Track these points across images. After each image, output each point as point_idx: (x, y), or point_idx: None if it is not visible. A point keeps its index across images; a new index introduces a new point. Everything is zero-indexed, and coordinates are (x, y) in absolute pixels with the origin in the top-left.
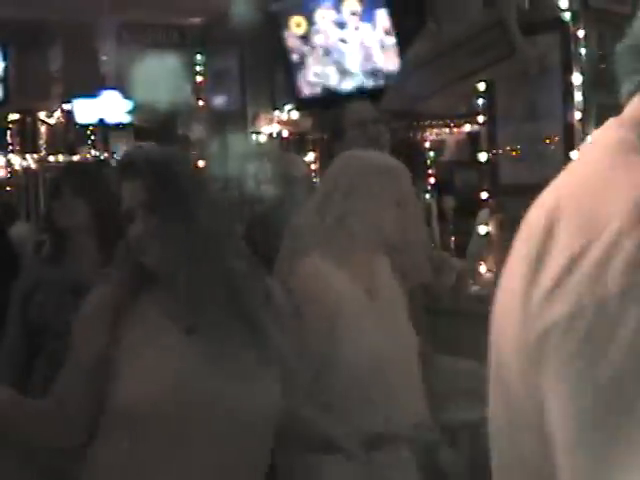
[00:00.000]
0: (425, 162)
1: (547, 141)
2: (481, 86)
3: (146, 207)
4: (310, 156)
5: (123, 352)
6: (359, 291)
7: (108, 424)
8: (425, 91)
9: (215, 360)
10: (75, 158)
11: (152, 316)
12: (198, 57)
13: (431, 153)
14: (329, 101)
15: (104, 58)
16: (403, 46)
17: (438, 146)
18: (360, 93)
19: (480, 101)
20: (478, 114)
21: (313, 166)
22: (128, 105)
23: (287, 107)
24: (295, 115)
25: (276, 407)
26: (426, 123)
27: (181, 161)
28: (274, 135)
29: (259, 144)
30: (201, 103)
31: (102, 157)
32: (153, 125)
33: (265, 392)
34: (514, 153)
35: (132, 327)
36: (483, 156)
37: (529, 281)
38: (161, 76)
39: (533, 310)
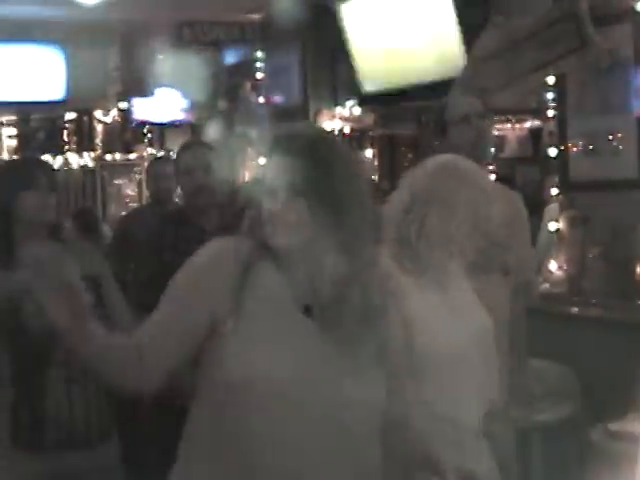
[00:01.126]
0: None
1: (619, 135)
2: (550, 80)
3: (291, 188)
4: (369, 152)
5: (240, 320)
6: (428, 284)
7: (213, 390)
8: (492, 85)
9: (330, 346)
10: (131, 156)
11: (269, 287)
12: (258, 53)
13: (491, 149)
14: (392, 96)
15: (161, 57)
16: (469, 40)
17: (498, 142)
18: (424, 88)
19: (550, 95)
20: (547, 108)
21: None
22: (184, 103)
23: (349, 103)
24: (357, 111)
25: (383, 405)
26: (496, 118)
27: (338, 145)
28: (336, 131)
29: None
30: (261, 100)
31: (159, 155)
32: (210, 122)
33: (374, 388)
34: (586, 148)
35: (250, 294)
36: (553, 151)
37: None
38: (217, 74)
39: None
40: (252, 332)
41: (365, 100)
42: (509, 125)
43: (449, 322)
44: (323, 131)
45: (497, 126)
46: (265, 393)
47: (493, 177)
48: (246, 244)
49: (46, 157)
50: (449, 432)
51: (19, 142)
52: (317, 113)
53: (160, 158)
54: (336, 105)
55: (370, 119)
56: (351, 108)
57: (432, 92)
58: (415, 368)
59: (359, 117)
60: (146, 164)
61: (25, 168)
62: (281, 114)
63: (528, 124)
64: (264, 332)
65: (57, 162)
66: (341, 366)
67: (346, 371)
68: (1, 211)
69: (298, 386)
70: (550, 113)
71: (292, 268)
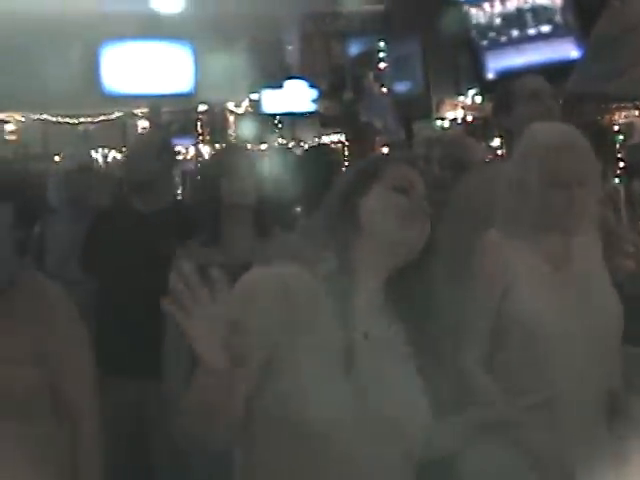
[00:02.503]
0: (613, 146)
1: None
2: None
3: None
4: (496, 141)
5: (295, 353)
6: (539, 262)
7: (268, 427)
8: (611, 72)
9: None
10: (263, 147)
11: (322, 315)
12: (380, 44)
13: (620, 136)
14: None
15: (289, 48)
16: (587, 26)
17: (626, 129)
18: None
19: None
20: None
21: (499, 151)
22: (313, 94)
23: (471, 92)
24: (479, 99)
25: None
26: (614, 106)
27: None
28: (458, 120)
29: (443, 129)
30: (385, 90)
31: (289, 145)
32: (337, 113)
33: (420, 406)
34: None
35: (302, 326)
36: None
37: None
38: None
39: None
40: (308, 366)
41: (487, 88)
42: (637, 112)
43: (549, 296)
44: None
45: (625, 113)
46: (321, 432)
47: (621, 165)
48: (289, 271)
49: (178, 148)
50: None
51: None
52: (439, 102)
53: (290, 149)
54: (458, 94)
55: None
56: (473, 97)
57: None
58: (501, 335)
59: (481, 105)
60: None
61: (226, 155)
62: (403, 104)
63: None
64: (320, 365)
65: (189, 153)
66: (394, 388)
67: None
68: (209, 196)
69: (358, 424)
70: None
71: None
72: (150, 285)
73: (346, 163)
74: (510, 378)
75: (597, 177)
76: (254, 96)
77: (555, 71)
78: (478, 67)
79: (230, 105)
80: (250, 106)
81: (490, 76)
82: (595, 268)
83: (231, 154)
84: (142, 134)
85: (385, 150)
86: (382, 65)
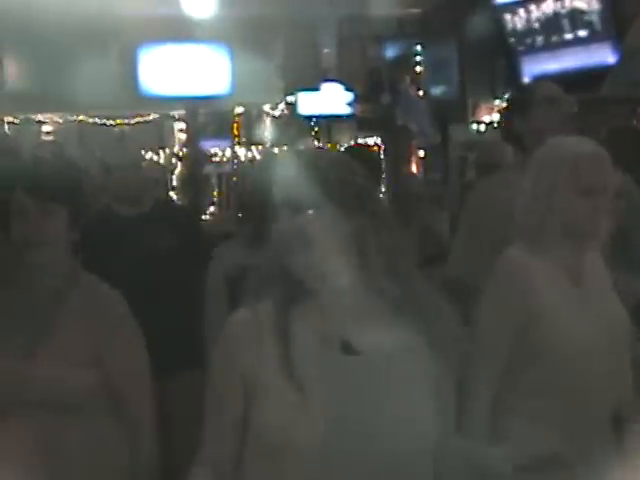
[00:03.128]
0: None
1: None
2: None
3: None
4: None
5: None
6: (561, 279)
7: (256, 454)
8: None
9: (376, 387)
10: (300, 148)
11: (298, 332)
12: (417, 47)
13: None
14: None
15: (325, 51)
16: (623, 31)
17: None
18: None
19: None
20: None
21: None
22: (349, 97)
23: (507, 96)
24: None
25: (432, 441)
26: None
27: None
28: (494, 124)
29: (479, 133)
30: (421, 93)
31: (325, 148)
32: (374, 116)
33: (426, 425)
34: None
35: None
36: None
37: None
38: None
39: None
40: (280, 385)
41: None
42: None
43: (575, 314)
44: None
45: None
46: (299, 449)
47: None
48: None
49: (215, 150)
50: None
51: (188, 135)
52: (475, 106)
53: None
54: (494, 98)
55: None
56: None
57: (589, 83)
58: (532, 358)
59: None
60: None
61: (278, 159)
62: (439, 107)
63: None
64: (295, 383)
65: (225, 155)
66: (393, 407)
67: (398, 412)
68: (258, 199)
69: (340, 441)
70: None
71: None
72: (152, 279)
73: (382, 165)
74: (537, 400)
75: (613, 188)
76: (290, 99)
77: (591, 76)
78: (514, 71)
79: (266, 107)
80: (286, 108)
81: (526, 80)
82: (604, 283)
83: (282, 159)
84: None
85: (421, 153)
86: (418, 69)
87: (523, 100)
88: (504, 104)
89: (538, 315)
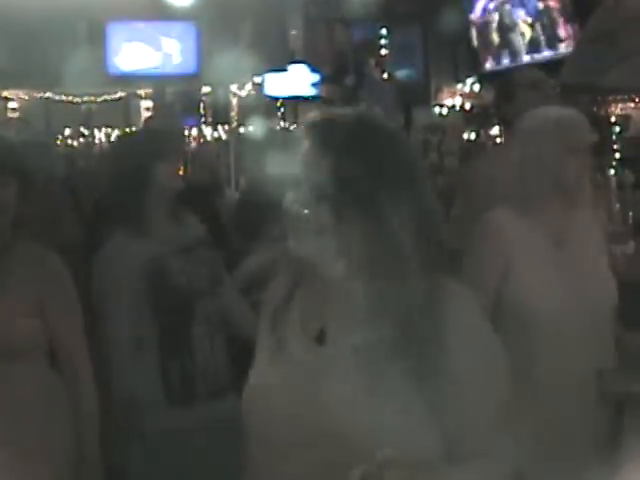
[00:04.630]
0: (610, 137)
1: None
2: None
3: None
4: (495, 129)
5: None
6: (540, 240)
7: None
8: (603, 64)
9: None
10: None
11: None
12: (382, 31)
13: (616, 128)
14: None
15: (293, 32)
16: (581, 18)
17: (623, 122)
18: (541, 65)
19: None
20: None
21: (498, 140)
22: (315, 78)
23: (470, 80)
24: (477, 87)
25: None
26: (610, 98)
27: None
28: (457, 108)
29: (442, 116)
30: (385, 76)
31: (291, 129)
32: (339, 97)
33: (424, 432)
34: None
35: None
36: None
37: None
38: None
39: None
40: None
41: (485, 77)
42: (632, 105)
43: (549, 275)
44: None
45: (620, 105)
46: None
47: (617, 156)
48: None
49: (181, 129)
50: None
51: (155, 114)
52: (438, 89)
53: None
54: (457, 82)
55: (490, 96)
56: (472, 85)
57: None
58: (507, 321)
59: (480, 94)
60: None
61: (159, 138)
62: (403, 90)
63: None
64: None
65: (192, 134)
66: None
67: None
68: (136, 180)
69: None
70: None
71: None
72: None
73: None
74: None
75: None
76: (257, 79)
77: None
78: (476, 57)
79: (233, 87)
80: (253, 89)
81: (488, 66)
82: (594, 245)
83: (159, 139)
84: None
85: None
86: (383, 52)
87: (508, 86)
88: (466, 88)
89: (510, 272)
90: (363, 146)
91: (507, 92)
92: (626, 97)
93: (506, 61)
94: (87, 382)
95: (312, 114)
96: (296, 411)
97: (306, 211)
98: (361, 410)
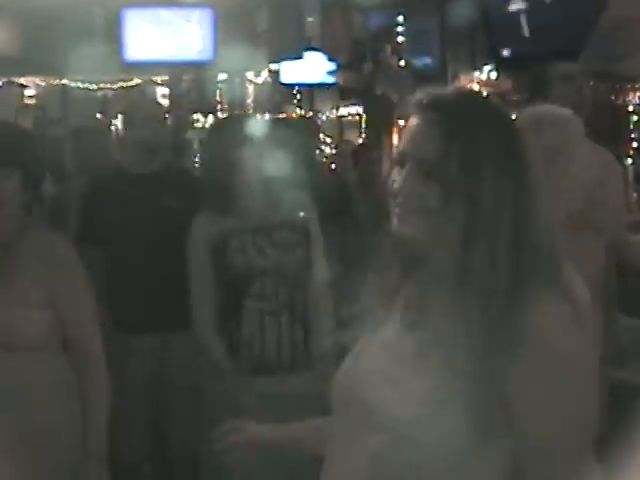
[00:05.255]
0: (627, 126)
1: None
2: None
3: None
4: (513, 117)
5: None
6: None
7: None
8: (624, 50)
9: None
10: (281, 117)
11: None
12: (399, 18)
13: (634, 117)
14: (530, 61)
15: (309, 20)
16: (602, 5)
17: None
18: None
19: None
20: None
21: None
22: (332, 66)
23: (487, 68)
24: (494, 75)
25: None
26: (628, 86)
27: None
28: None
29: None
30: (402, 63)
31: (308, 116)
32: (356, 85)
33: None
34: None
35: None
36: None
37: None
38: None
39: None
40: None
41: (503, 65)
42: None
43: None
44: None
45: (638, 94)
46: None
47: (635, 145)
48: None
49: (197, 116)
50: None
51: (171, 101)
52: (455, 77)
53: (309, 118)
54: (474, 69)
55: (508, 84)
56: (489, 73)
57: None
58: None
59: (496, 82)
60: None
61: (244, 125)
62: (420, 78)
63: None
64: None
65: (208, 121)
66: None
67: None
68: (225, 162)
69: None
70: None
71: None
72: (160, 239)
73: (363, 135)
74: None
75: None
76: (273, 66)
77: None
78: (494, 44)
79: (249, 75)
80: (269, 76)
81: (505, 53)
82: None
83: (248, 123)
84: (141, 98)
85: (401, 123)
86: (400, 39)
87: (542, 78)
88: (483, 76)
89: None
90: (475, 125)
91: (541, 87)
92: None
93: (523, 49)
94: (98, 369)
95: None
96: (341, 380)
97: (412, 189)
98: (388, 385)
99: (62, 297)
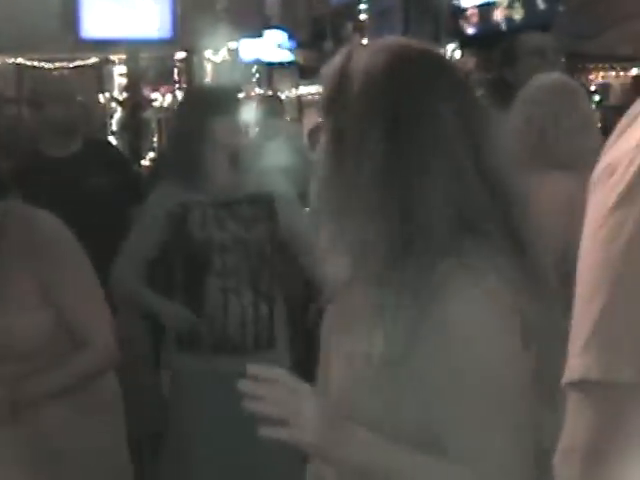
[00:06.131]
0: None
1: None
2: None
3: None
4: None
5: None
6: None
7: None
8: (590, 30)
9: None
10: (240, 95)
11: None
12: None
13: (595, 97)
14: (493, 39)
15: None
16: None
17: (603, 90)
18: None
19: None
20: None
21: None
22: (291, 44)
23: (450, 46)
24: (459, 54)
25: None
26: (591, 66)
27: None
28: None
29: None
30: (365, 42)
31: (267, 94)
32: (316, 64)
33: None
34: None
35: None
36: None
37: None
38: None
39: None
40: None
41: (466, 43)
42: (613, 73)
43: None
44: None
45: (602, 74)
46: None
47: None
48: None
49: (155, 95)
50: None
51: (129, 80)
52: None
53: (272, 96)
54: (438, 48)
55: (471, 62)
56: (453, 51)
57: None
58: None
59: (460, 60)
60: (254, 104)
61: (219, 94)
62: None
63: (634, 72)
64: None
65: (166, 100)
66: None
67: None
68: (196, 134)
69: None
70: None
71: None
72: (90, 221)
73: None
74: None
75: None
76: (232, 45)
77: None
78: (458, 22)
79: (208, 53)
80: (228, 54)
81: (470, 31)
82: None
83: (220, 93)
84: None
85: None
86: (363, 17)
87: (512, 51)
88: (447, 54)
89: None
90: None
91: (510, 58)
92: (607, 66)
93: (489, 26)
94: (109, 362)
95: None
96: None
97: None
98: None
99: (57, 289)
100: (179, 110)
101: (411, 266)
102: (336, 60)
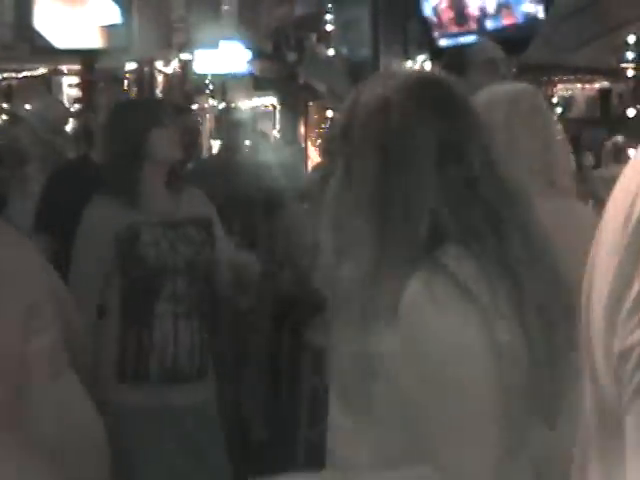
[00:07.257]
0: None
1: None
2: (631, 39)
3: None
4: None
5: None
6: None
7: None
8: (572, 43)
9: None
10: (194, 107)
11: None
12: (328, 5)
13: (558, 109)
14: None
15: (225, 8)
16: None
17: (567, 102)
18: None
19: (630, 55)
20: (626, 69)
21: None
22: (248, 55)
23: (420, 57)
24: (428, 65)
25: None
26: (556, 78)
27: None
28: None
29: None
30: (331, 52)
31: (220, 107)
32: (273, 75)
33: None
34: None
35: None
36: (631, 112)
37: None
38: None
39: (621, 318)
40: None
41: (437, 54)
42: (578, 85)
43: None
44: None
45: (567, 86)
46: None
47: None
48: None
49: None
50: None
51: (82, 91)
52: (387, 67)
53: (229, 108)
54: (407, 59)
55: (442, 74)
56: (422, 63)
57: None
58: None
59: (431, 72)
60: (208, 115)
61: (153, 107)
62: (351, 67)
63: (597, 85)
64: None
65: None
66: None
67: None
68: (130, 148)
69: None
70: (630, 73)
71: None
72: None
73: (277, 126)
74: None
75: None
76: (186, 56)
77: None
78: (428, 33)
79: (159, 64)
80: (180, 66)
81: (442, 43)
82: None
83: (156, 107)
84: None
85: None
86: (329, 27)
87: (461, 61)
88: (416, 66)
89: None
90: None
91: (458, 68)
92: (572, 78)
93: (462, 38)
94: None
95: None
96: None
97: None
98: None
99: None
100: (109, 123)
101: (390, 276)
102: (349, 97)
